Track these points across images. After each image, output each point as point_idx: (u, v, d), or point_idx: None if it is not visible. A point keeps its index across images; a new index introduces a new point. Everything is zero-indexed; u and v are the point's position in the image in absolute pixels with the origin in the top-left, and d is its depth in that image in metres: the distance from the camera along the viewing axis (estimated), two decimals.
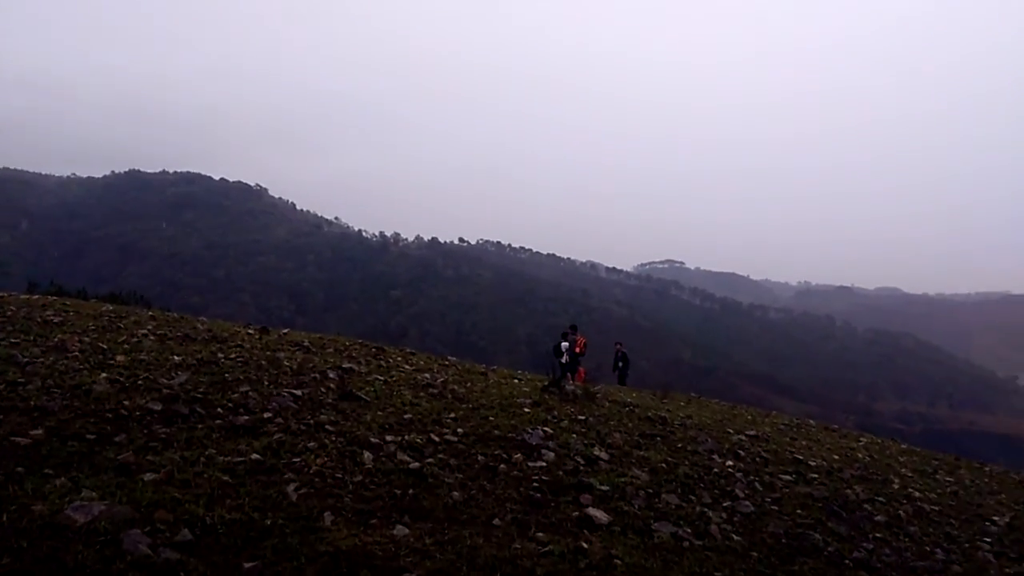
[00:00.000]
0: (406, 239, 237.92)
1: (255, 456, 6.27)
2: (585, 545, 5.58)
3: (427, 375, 12.22)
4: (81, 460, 5.57)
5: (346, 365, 11.40)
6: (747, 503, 7.66)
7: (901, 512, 8.57)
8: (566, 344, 24.52)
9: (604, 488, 7.22)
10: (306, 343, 13.57)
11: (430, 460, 7.13)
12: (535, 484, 6.98)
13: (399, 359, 14.17)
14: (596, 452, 8.52)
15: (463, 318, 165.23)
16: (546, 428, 9.19)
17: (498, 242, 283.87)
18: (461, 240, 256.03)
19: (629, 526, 6.31)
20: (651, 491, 7.48)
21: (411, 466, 6.77)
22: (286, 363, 10.64)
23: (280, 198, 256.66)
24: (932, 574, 6.48)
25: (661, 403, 15.26)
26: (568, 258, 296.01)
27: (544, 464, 7.68)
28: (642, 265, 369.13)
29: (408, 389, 10.51)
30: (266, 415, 7.58)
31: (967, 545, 7.70)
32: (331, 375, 10.37)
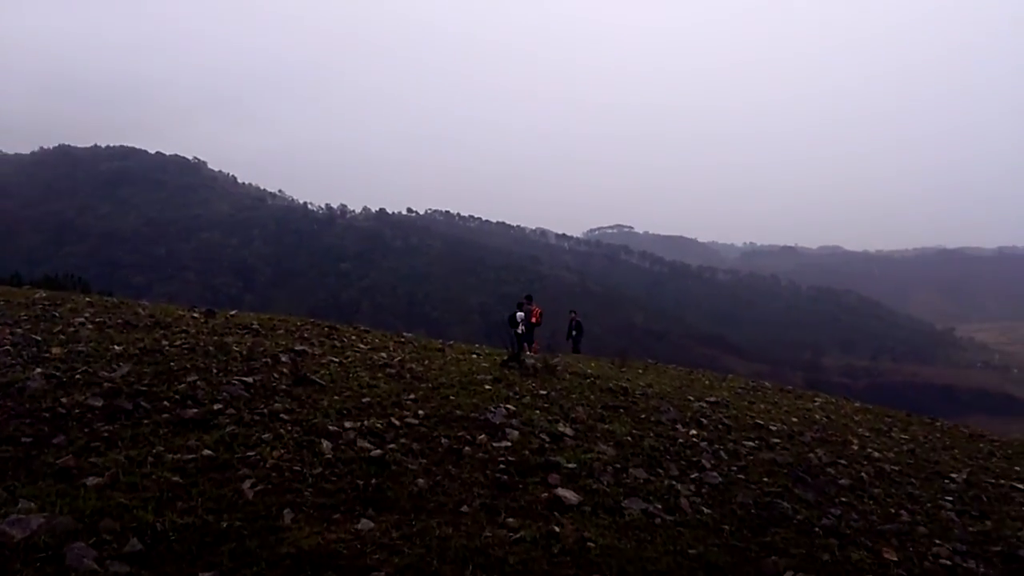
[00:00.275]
0: (353, 211, 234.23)
1: (206, 452, 5.94)
2: (557, 529, 5.42)
3: (383, 354, 11.93)
4: (16, 466, 5.17)
5: (298, 347, 11.02)
6: (714, 473, 7.61)
7: (863, 474, 8.65)
8: (521, 314, 24.43)
9: (571, 466, 7.07)
10: (255, 325, 13.12)
11: (392, 446, 6.89)
12: (501, 466, 6.80)
13: (353, 338, 13.82)
14: (561, 428, 8.38)
15: (415, 289, 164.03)
16: (509, 405, 9.02)
17: (447, 211, 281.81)
18: (409, 210, 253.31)
19: (599, 505, 6.18)
20: (618, 466, 7.37)
21: (373, 453, 6.51)
22: (235, 348, 10.23)
23: (220, 171, 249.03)
24: (899, 536, 6.52)
25: (620, 372, 15.26)
26: (518, 225, 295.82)
27: (509, 444, 7.50)
28: (592, 231, 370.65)
29: (364, 370, 10.21)
30: (216, 406, 7.22)
31: (929, 505, 7.80)
32: (283, 359, 10.01)
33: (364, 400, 8.38)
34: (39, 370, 7.46)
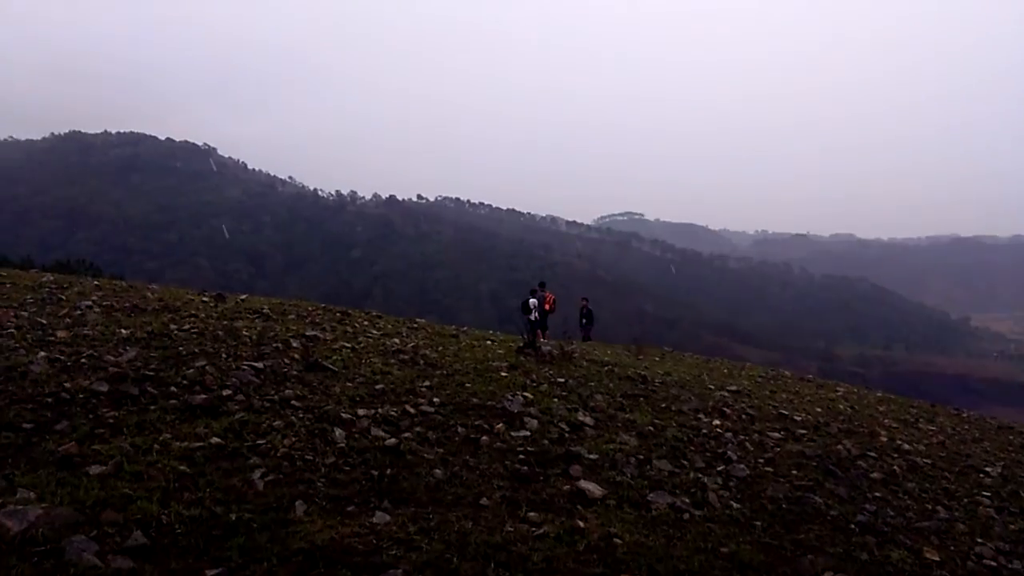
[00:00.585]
0: (363, 197, 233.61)
1: (215, 440, 5.69)
2: (581, 523, 5.16)
3: (396, 340, 11.67)
4: (17, 453, 4.93)
5: (310, 332, 10.77)
6: (741, 466, 7.32)
7: (895, 467, 8.34)
8: (534, 301, 24.14)
9: (593, 457, 6.81)
10: (266, 310, 12.88)
11: (407, 435, 6.63)
12: (521, 456, 6.53)
13: (365, 323, 13.57)
14: (580, 417, 8.11)
15: (425, 276, 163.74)
16: (526, 393, 8.75)
17: (457, 198, 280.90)
18: (419, 197, 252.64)
19: (624, 498, 5.90)
20: (641, 457, 7.10)
21: (387, 442, 6.25)
22: (245, 333, 9.99)
23: (230, 158, 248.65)
24: (938, 534, 6.22)
25: (637, 360, 14.95)
26: (528, 213, 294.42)
27: (528, 433, 7.24)
28: (602, 218, 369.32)
29: (377, 356, 9.95)
30: (225, 392, 6.97)
31: (967, 500, 7.49)
32: (294, 344, 9.77)
33: (377, 387, 8.13)
34: (43, 354, 7.23)
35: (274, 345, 9.47)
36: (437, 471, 5.84)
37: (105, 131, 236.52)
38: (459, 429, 7.09)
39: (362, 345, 10.67)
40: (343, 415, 6.86)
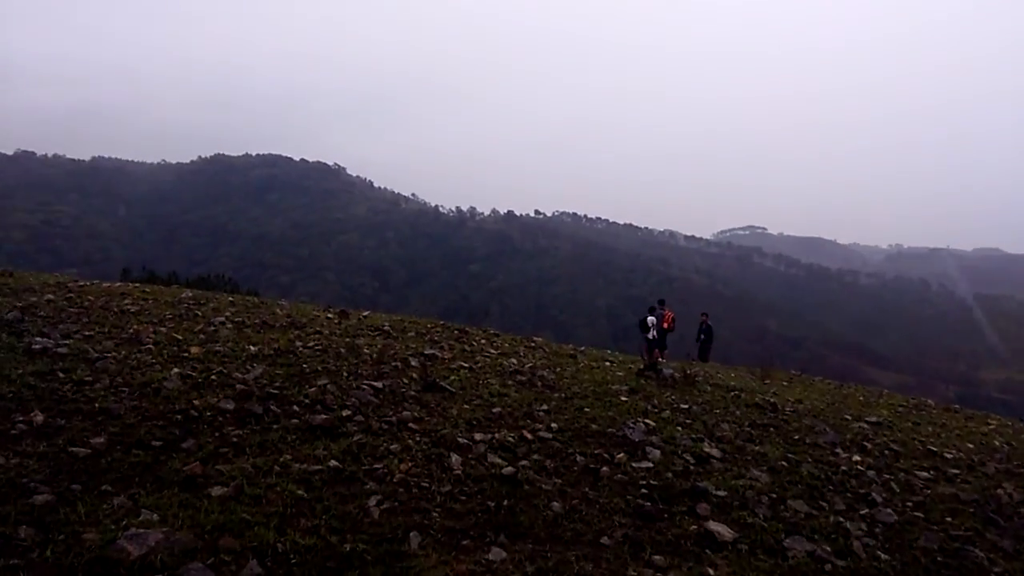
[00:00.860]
0: (482, 213, 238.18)
1: (333, 463, 5.65)
2: (711, 571, 4.76)
3: (513, 360, 11.51)
4: (144, 472, 5.03)
5: (428, 351, 10.78)
6: (888, 510, 6.63)
7: None
8: (653, 319, 23.54)
9: (721, 494, 6.33)
10: (386, 327, 13.04)
11: (524, 463, 6.39)
12: (643, 490, 6.16)
13: (483, 342, 13.50)
14: (706, 448, 7.62)
15: (542, 291, 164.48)
16: (647, 420, 8.34)
17: (574, 213, 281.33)
18: (537, 212, 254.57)
19: (757, 543, 5.41)
20: (774, 496, 6.56)
21: (504, 471, 6.04)
22: (366, 350, 10.09)
23: (358, 176, 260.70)
24: None
25: (764, 384, 14.15)
26: (646, 227, 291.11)
27: (650, 465, 6.84)
28: (722, 232, 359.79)
29: (495, 377, 9.81)
30: (345, 412, 6.98)
31: None
32: (413, 363, 9.76)
33: (494, 410, 7.95)
34: (176, 370, 7.48)
35: (393, 364, 9.50)
36: (555, 504, 5.57)
37: (246, 153, 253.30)
38: (578, 458, 6.79)
39: (479, 365, 10.57)
40: (460, 439, 6.71)
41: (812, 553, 5.35)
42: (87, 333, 8.72)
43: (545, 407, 8.41)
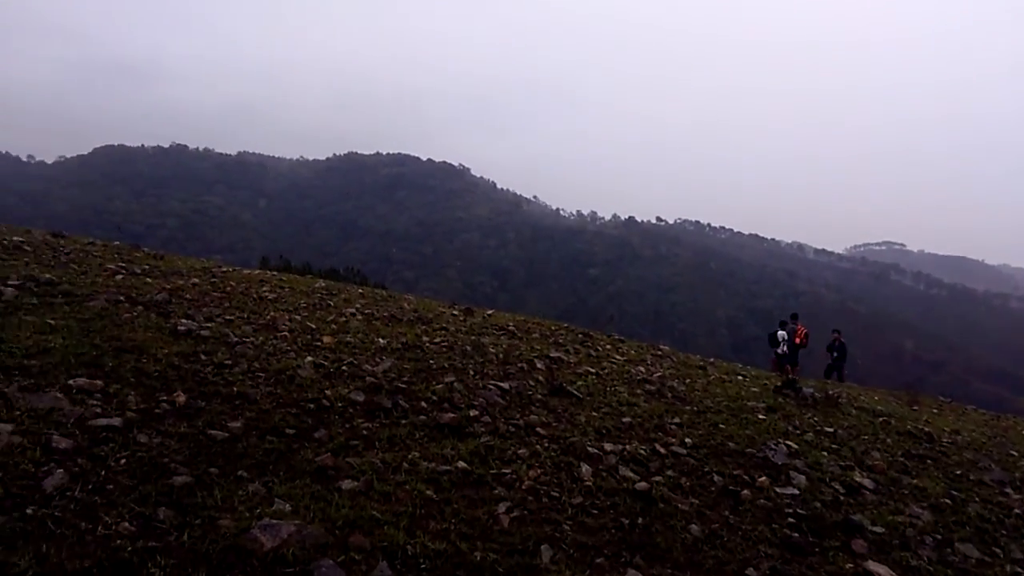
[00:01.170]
0: (603, 218, 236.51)
1: (461, 464, 5.47)
2: None
3: (641, 368, 11.09)
4: (278, 460, 5.02)
5: (553, 354, 10.53)
6: None
7: None
8: (783, 334, 22.39)
9: (878, 530, 5.74)
10: (511, 326, 12.91)
11: (658, 478, 6.02)
12: (790, 520, 5.65)
13: (608, 347, 13.13)
14: (857, 478, 6.99)
15: (661, 298, 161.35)
16: (789, 442, 7.75)
17: (697, 221, 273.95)
18: (658, 219, 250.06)
19: None
20: (939, 537, 5.89)
21: (637, 486, 5.69)
22: (491, 350, 9.95)
23: (481, 177, 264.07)
24: None
25: (911, 410, 13.05)
26: (772, 239, 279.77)
27: (796, 491, 6.31)
28: (856, 247, 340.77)
29: (622, 384, 9.44)
30: (472, 412, 6.81)
31: None
32: (539, 365, 9.55)
33: (624, 420, 7.60)
34: (310, 359, 7.56)
35: (519, 365, 9.31)
36: (693, 526, 5.17)
37: (377, 152, 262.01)
38: (715, 478, 6.35)
39: (606, 371, 10.23)
40: (589, 449, 6.41)
41: None
42: (228, 317, 8.99)
43: (677, 420, 7.98)
